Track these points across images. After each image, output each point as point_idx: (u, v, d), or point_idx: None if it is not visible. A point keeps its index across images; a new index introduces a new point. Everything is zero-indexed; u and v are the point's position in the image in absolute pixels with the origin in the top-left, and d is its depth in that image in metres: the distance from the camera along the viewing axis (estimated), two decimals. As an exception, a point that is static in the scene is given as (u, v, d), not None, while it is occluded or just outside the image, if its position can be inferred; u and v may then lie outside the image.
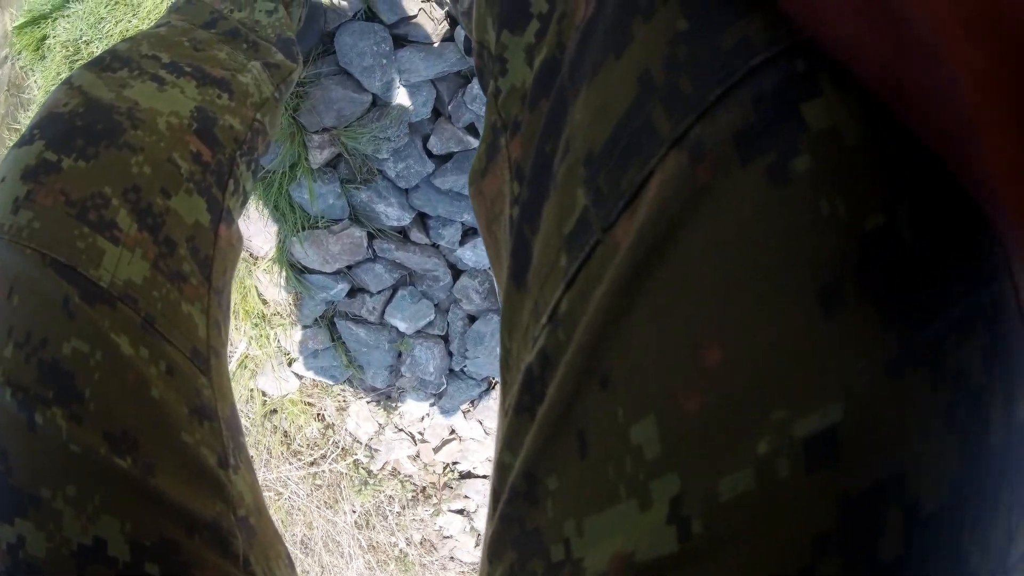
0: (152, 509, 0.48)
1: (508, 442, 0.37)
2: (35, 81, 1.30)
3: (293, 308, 1.45)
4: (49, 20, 1.23)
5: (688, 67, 0.27)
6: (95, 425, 0.47)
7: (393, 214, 1.30)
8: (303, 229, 1.32)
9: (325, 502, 1.80)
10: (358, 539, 1.91)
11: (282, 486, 1.74)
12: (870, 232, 0.24)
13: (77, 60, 1.22)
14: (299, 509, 1.79)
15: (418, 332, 1.50)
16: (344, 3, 1.11)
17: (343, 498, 1.82)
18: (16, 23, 1.24)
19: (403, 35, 1.13)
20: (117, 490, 0.47)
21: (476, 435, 1.75)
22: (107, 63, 0.62)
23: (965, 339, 0.24)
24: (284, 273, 1.39)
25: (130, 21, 1.18)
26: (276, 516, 1.78)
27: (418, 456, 1.85)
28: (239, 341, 1.51)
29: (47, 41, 1.24)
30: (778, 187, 0.25)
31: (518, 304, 0.39)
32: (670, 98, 0.28)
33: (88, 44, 1.21)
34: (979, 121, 0.19)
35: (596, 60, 0.32)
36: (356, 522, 1.87)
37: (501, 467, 0.38)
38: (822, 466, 0.23)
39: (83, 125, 0.55)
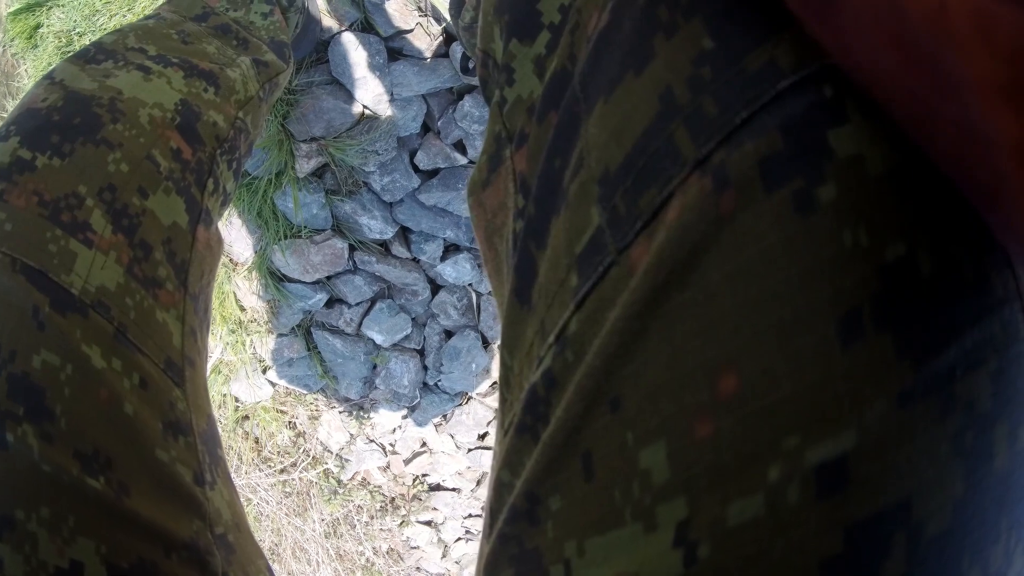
0: (128, 530, 0.46)
1: (507, 461, 0.37)
2: (26, 70, 1.29)
3: (270, 316, 1.45)
4: (44, 8, 1.22)
5: (713, 88, 0.27)
6: (66, 444, 0.45)
7: (376, 227, 1.30)
8: (285, 237, 1.32)
9: (294, 510, 1.80)
10: (326, 547, 1.90)
11: (251, 492, 1.74)
12: (890, 263, 0.24)
13: (69, 51, 1.21)
14: (268, 516, 1.79)
15: (394, 345, 1.51)
16: (341, 13, 1.11)
17: (312, 506, 1.81)
18: (10, 9, 1.23)
19: (398, 48, 1.14)
20: (91, 511, 0.45)
21: (447, 448, 1.75)
22: (92, 55, 0.61)
23: (975, 367, 0.25)
24: (263, 280, 1.39)
25: (124, 16, 1.18)
26: (242, 523, 1.77)
27: (388, 467, 1.85)
28: (215, 346, 1.51)
29: (40, 30, 1.23)
30: (803, 216, 0.25)
31: (521, 322, 0.38)
32: (694, 119, 0.27)
33: (81, 36, 1.20)
34: (1014, 186, 0.20)
35: (613, 75, 0.31)
36: (324, 531, 1.87)
37: (499, 485, 0.38)
38: (832, 493, 0.24)
39: (60, 120, 0.54)
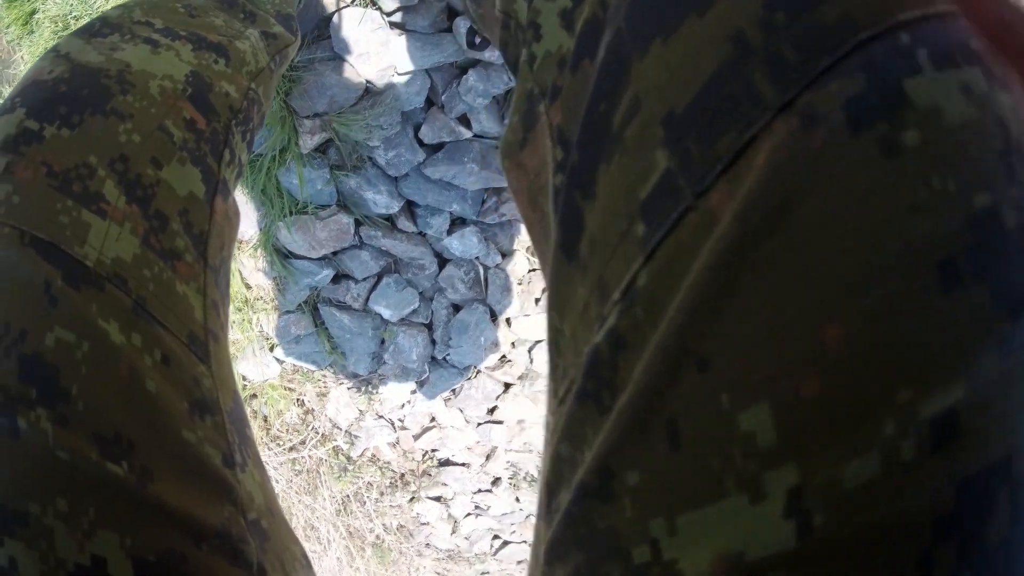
0: (153, 519, 0.44)
1: (567, 433, 0.36)
2: (22, 56, 1.31)
3: (276, 293, 1.48)
4: (38, -6, 1.25)
5: (790, 34, 0.27)
6: (84, 427, 0.43)
7: (382, 202, 1.33)
8: (290, 214, 1.34)
9: (304, 488, 1.84)
10: (336, 525, 1.95)
11: (260, 471, 1.77)
12: (978, 211, 0.24)
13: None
14: (278, 495, 1.83)
15: (402, 320, 1.54)
16: (340, -10, 1.13)
17: (322, 484, 1.85)
18: (5, -6, 1.25)
19: (401, 23, 1.16)
20: (113, 501, 0.42)
21: (456, 423, 1.79)
22: (97, 29, 0.59)
23: None
24: (269, 258, 1.42)
25: (120, -1, 1.20)
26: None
27: (398, 443, 1.89)
28: (221, 325, 1.54)
29: (36, 16, 1.25)
30: (890, 159, 0.25)
31: (570, 279, 0.37)
32: (773, 63, 0.27)
33: (78, 20, 1.22)
34: None
35: (670, 17, 0.31)
36: (335, 508, 1.91)
37: (557, 460, 0.37)
38: (945, 448, 0.24)
39: (68, 91, 0.52)
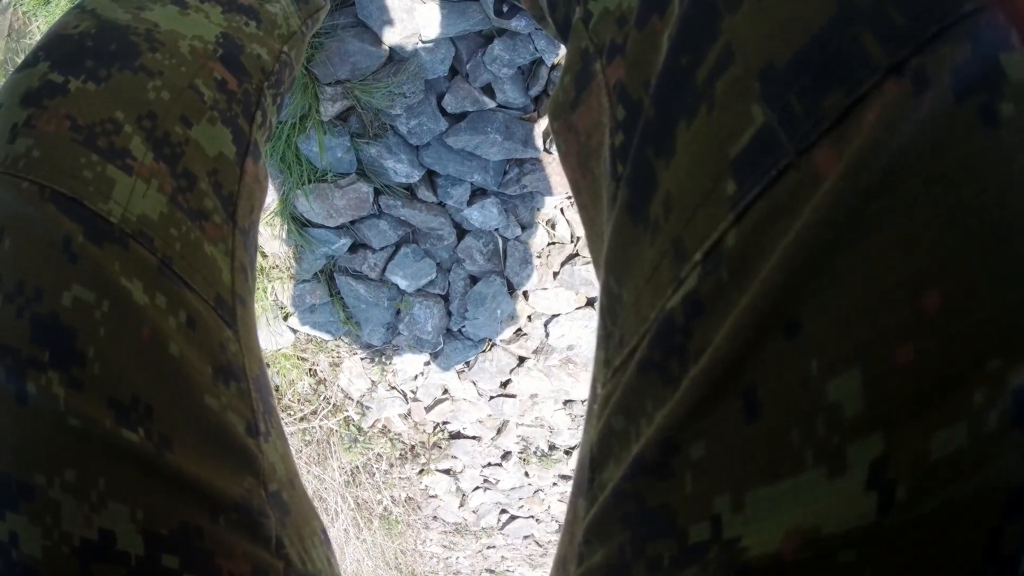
0: (169, 491, 0.42)
1: (622, 404, 0.35)
2: (38, 27, 1.31)
3: (292, 262, 1.49)
4: (54, -40, 1.24)
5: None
6: (99, 392, 0.41)
7: (402, 170, 1.33)
8: (309, 182, 1.35)
9: (314, 458, 1.86)
10: (344, 496, 1.97)
11: (272, 441, 1.79)
12: None
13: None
14: (288, 464, 1.85)
15: (418, 291, 1.55)
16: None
17: (332, 455, 1.87)
18: (20, -37, 1.25)
19: (425, -10, 1.16)
20: (126, 470, 0.41)
21: (469, 396, 1.81)
22: None
23: None
24: (286, 226, 1.43)
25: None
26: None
27: (409, 415, 1.90)
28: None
29: (53, -16, 1.25)
30: (990, 128, 0.25)
31: (635, 240, 0.36)
32: (881, 24, 0.27)
33: (95, -13, 1.22)
34: None
35: None
36: (344, 480, 1.93)
37: (607, 433, 0.36)
38: None
39: (94, 46, 0.51)
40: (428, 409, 1.86)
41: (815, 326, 0.26)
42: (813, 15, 0.28)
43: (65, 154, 0.45)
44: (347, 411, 1.83)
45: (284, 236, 1.45)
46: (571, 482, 1.89)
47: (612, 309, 0.38)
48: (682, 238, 0.32)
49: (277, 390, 1.75)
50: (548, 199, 1.41)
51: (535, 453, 2.02)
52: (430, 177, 1.40)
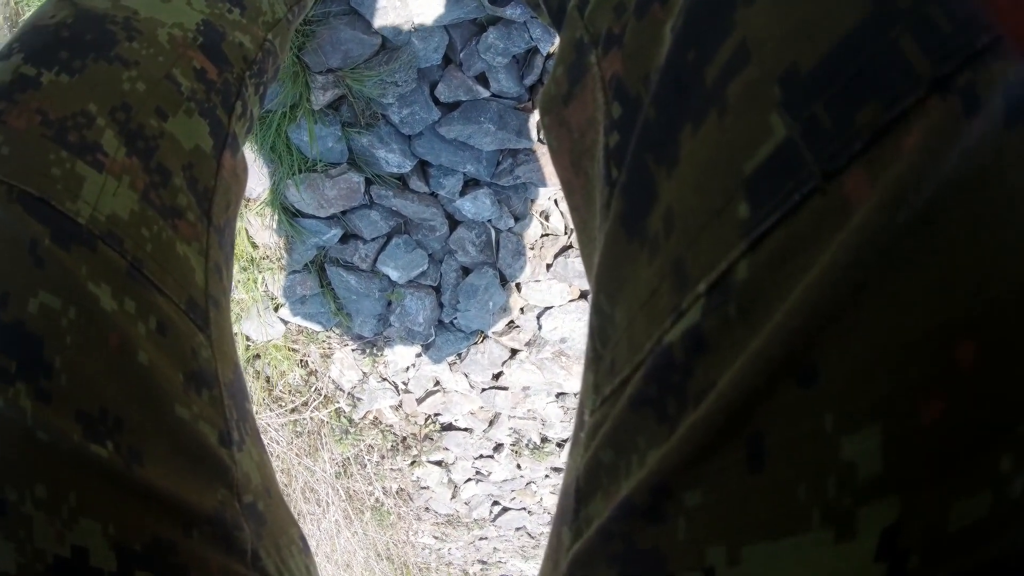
0: (140, 505, 0.41)
1: (613, 438, 0.33)
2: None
3: (283, 252, 1.49)
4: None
5: (942, 2, 0.23)
6: (67, 404, 0.40)
7: (394, 160, 1.33)
8: (299, 172, 1.34)
9: (304, 450, 1.86)
10: (336, 488, 1.97)
11: (262, 433, 1.79)
12: None
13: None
14: (278, 457, 1.85)
15: (410, 282, 1.55)
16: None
17: (323, 446, 1.87)
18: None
19: (418, -22, 1.15)
20: (96, 485, 0.40)
21: (461, 388, 1.81)
22: None
23: None
24: (276, 216, 1.42)
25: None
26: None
27: (400, 406, 1.90)
28: (225, 283, 1.54)
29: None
30: None
31: (630, 258, 0.34)
32: (923, 29, 0.23)
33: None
34: None
35: None
36: (335, 471, 1.93)
37: (595, 465, 0.34)
38: None
39: (70, 36, 0.49)
40: (420, 401, 1.86)
41: (834, 375, 0.24)
42: (844, 13, 0.25)
43: (34, 151, 0.44)
44: (338, 402, 1.82)
45: (274, 227, 1.45)
46: (562, 475, 1.89)
47: (603, 330, 0.36)
48: (684, 261, 0.29)
49: (268, 381, 1.75)
50: (542, 190, 1.41)
51: (527, 445, 2.02)
52: (422, 167, 1.39)
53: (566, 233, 1.49)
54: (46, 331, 0.40)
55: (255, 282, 1.53)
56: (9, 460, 0.38)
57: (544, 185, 1.37)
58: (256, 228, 1.46)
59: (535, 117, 1.29)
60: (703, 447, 0.27)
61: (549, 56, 1.23)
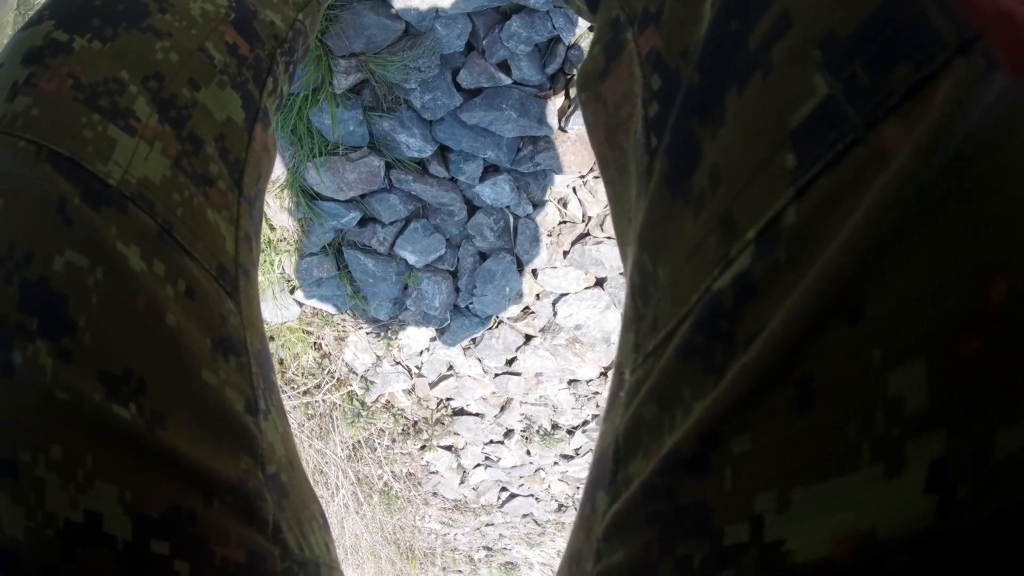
0: (160, 471, 0.40)
1: (657, 392, 0.33)
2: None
3: (301, 235, 1.51)
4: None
5: None
6: (89, 363, 0.39)
7: (415, 145, 1.35)
8: (319, 155, 1.36)
9: (316, 433, 1.88)
10: (345, 471, 1.99)
11: (275, 414, 1.82)
12: None
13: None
14: (291, 438, 1.87)
15: (427, 266, 1.57)
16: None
17: (334, 429, 1.90)
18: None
19: (444, -36, 1.17)
20: (115, 448, 0.39)
21: (474, 373, 1.83)
22: None
23: None
24: (295, 198, 1.44)
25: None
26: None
27: (413, 390, 1.93)
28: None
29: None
30: None
31: (674, 215, 0.35)
32: (946, 2, 0.25)
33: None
34: None
35: None
36: (346, 454, 1.96)
37: (636, 423, 0.35)
38: None
39: (102, 5, 0.49)
40: (432, 385, 1.88)
41: (879, 311, 0.25)
42: None
43: (65, 113, 0.44)
44: (351, 385, 1.85)
45: (293, 209, 1.47)
46: (571, 462, 1.91)
47: (645, 289, 0.37)
48: (732, 213, 0.31)
49: (281, 363, 1.77)
50: (560, 177, 1.43)
51: (538, 432, 2.05)
52: (442, 152, 1.41)
53: (583, 221, 1.51)
54: (71, 289, 0.40)
55: (272, 264, 1.55)
56: (25, 420, 0.37)
57: (563, 172, 1.39)
58: (274, 210, 1.48)
59: (556, 105, 1.31)
60: (752, 392, 0.28)
61: (571, 46, 1.24)
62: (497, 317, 1.69)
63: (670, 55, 0.38)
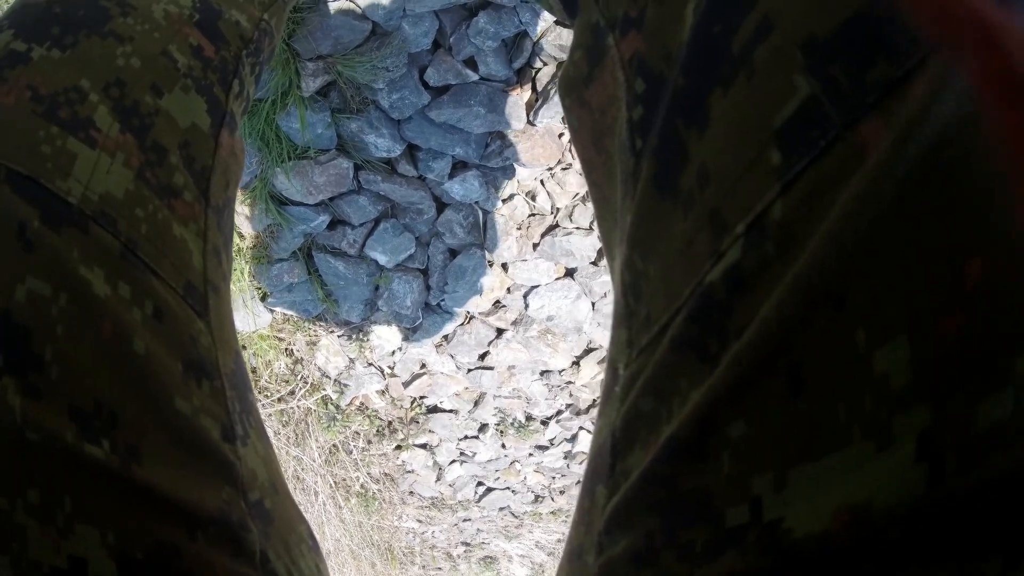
0: (140, 508, 0.39)
1: (653, 384, 0.34)
2: None
3: (270, 241, 1.51)
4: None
5: None
6: (58, 400, 0.37)
7: (383, 145, 1.36)
8: (288, 159, 1.37)
9: (292, 440, 1.88)
10: (323, 475, 2.00)
11: (250, 422, 1.81)
12: None
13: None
14: (268, 445, 1.87)
15: (398, 265, 1.58)
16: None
17: (310, 435, 1.90)
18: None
19: (408, -36, 1.18)
20: (94, 489, 0.37)
21: (447, 369, 1.85)
22: None
23: None
24: (263, 205, 1.44)
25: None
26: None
27: (387, 390, 1.94)
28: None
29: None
30: None
31: (664, 215, 0.35)
32: (919, 4, 0.26)
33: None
34: None
35: None
36: (323, 459, 1.96)
37: (633, 416, 0.35)
38: None
39: (62, 12, 0.47)
40: (406, 384, 1.89)
41: (862, 296, 0.26)
42: None
43: (23, 128, 0.42)
44: (325, 390, 1.85)
45: (261, 215, 1.47)
46: (546, 452, 1.93)
47: (636, 286, 0.38)
48: (721, 210, 0.32)
49: (254, 372, 1.77)
50: (528, 171, 1.45)
51: (512, 424, 2.07)
52: (411, 151, 1.42)
53: (552, 213, 1.53)
54: (35, 320, 0.37)
55: (241, 272, 1.55)
56: (0, 464, 0.35)
57: (532, 166, 1.42)
58: (242, 218, 1.48)
59: (524, 99, 1.33)
60: (745, 379, 0.29)
61: (538, 40, 1.27)
62: (469, 312, 1.71)
63: (653, 59, 0.39)
